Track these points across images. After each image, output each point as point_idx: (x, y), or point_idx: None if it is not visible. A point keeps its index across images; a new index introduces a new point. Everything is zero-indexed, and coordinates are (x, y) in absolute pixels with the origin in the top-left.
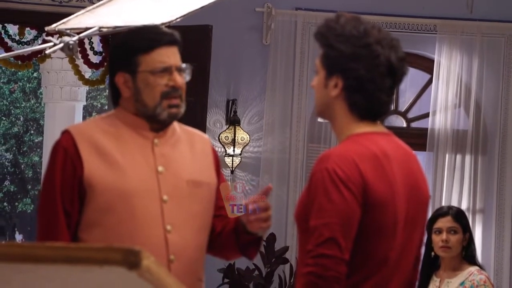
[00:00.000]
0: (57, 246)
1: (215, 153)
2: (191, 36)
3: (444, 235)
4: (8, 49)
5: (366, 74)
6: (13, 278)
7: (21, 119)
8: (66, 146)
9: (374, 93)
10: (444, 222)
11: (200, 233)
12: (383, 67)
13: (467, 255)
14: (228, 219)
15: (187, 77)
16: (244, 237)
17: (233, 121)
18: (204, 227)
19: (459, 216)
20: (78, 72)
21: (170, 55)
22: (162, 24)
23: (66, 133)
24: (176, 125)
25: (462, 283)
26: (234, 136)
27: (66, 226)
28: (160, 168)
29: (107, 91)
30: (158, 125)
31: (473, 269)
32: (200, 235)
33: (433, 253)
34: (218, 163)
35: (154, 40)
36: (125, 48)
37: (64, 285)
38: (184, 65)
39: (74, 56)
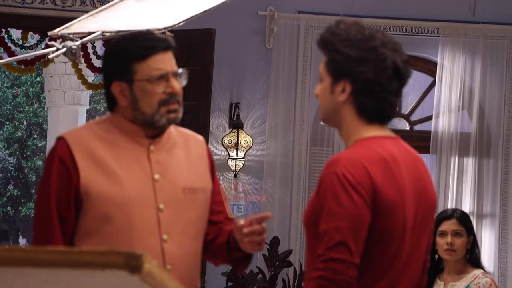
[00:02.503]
0: (59, 250)
1: (210, 155)
2: (194, 40)
3: (449, 238)
4: (11, 53)
5: (374, 77)
6: (15, 282)
7: (25, 123)
8: (62, 155)
9: (382, 95)
10: (448, 225)
11: (196, 240)
12: (390, 70)
13: (472, 258)
14: (221, 228)
15: (183, 82)
16: (236, 253)
17: (236, 125)
18: (199, 233)
19: (463, 219)
20: (81, 76)
21: (166, 61)
22: (165, 28)
23: (61, 140)
24: (172, 128)
25: (467, 287)
26: (237, 140)
27: (61, 234)
28: (156, 176)
29: None
30: (155, 131)
31: (478, 272)
32: (196, 242)
33: (436, 256)
34: (213, 165)
35: (149, 47)
36: (120, 57)
37: None
38: (180, 70)
39: (77, 61)
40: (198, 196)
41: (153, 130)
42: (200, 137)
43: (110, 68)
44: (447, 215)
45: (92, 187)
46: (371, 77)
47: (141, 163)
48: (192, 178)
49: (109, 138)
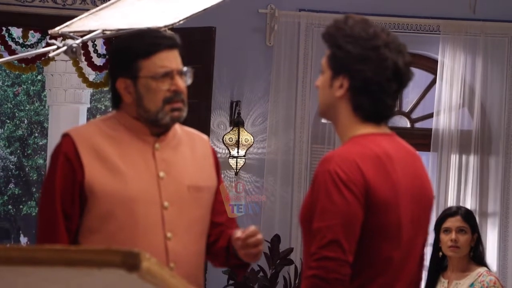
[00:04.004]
0: (55, 248)
1: (214, 154)
2: (194, 37)
3: (453, 235)
4: (12, 52)
5: (373, 77)
6: (17, 281)
7: (25, 122)
8: (67, 151)
9: (379, 96)
10: (453, 222)
11: (200, 238)
12: (390, 71)
13: (475, 256)
14: (223, 231)
15: (188, 80)
16: (234, 260)
17: (237, 123)
18: (203, 232)
19: (468, 216)
20: (82, 74)
21: (171, 59)
22: (166, 26)
23: (66, 137)
24: (177, 126)
25: (471, 285)
26: (238, 138)
27: (65, 230)
28: (161, 174)
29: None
30: (160, 129)
31: (482, 270)
32: (200, 241)
33: (440, 254)
34: (218, 164)
35: (154, 44)
36: (126, 53)
37: (67, 287)
38: (185, 69)
39: (77, 59)
40: (203, 195)
41: (157, 128)
42: (205, 137)
43: (115, 64)
44: (451, 212)
45: (97, 184)
46: (370, 76)
47: (146, 160)
48: (197, 176)
49: (114, 135)
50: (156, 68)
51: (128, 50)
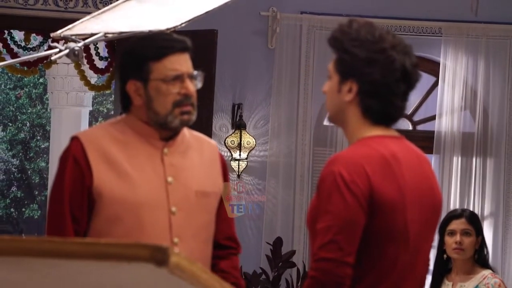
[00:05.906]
0: (85, 241)
1: (222, 159)
2: (196, 40)
3: (457, 237)
4: (14, 55)
5: (381, 79)
6: (49, 272)
7: (28, 125)
8: (76, 154)
9: (389, 98)
10: (458, 224)
11: (206, 244)
12: (398, 72)
13: (480, 259)
14: (216, 259)
15: (198, 84)
16: None
17: (239, 125)
18: (210, 237)
19: (473, 218)
20: (84, 77)
21: (182, 62)
22: (168, 29)
23: (75, 140)
24: (185, 131)
25: (476, 287)
26: (240, 141)
27: (74, 233)
28: (169, 179)
29: (113, 96)
30: (169, 133)
31: (487, 272)
32: (206, 247)
33: (445, 256)
34: (225, 169)
35: (165, 47)
36: (137, 56)
37: (99, 280)
38: (195, 72)
39: (79, 62)
40: (210, 201)
41: (166, 132)
42: (213, 142)
43: (126, 66)
44: (456, 214)
45: (105, 187)
46: (378, 78)
47: (155, 165)
48: (205, 181)
49: (123, 139)
50: (167, 71)
51: (139, 52)
